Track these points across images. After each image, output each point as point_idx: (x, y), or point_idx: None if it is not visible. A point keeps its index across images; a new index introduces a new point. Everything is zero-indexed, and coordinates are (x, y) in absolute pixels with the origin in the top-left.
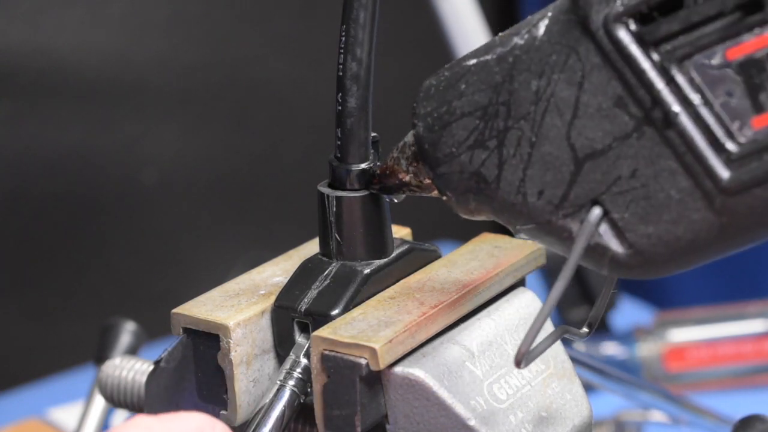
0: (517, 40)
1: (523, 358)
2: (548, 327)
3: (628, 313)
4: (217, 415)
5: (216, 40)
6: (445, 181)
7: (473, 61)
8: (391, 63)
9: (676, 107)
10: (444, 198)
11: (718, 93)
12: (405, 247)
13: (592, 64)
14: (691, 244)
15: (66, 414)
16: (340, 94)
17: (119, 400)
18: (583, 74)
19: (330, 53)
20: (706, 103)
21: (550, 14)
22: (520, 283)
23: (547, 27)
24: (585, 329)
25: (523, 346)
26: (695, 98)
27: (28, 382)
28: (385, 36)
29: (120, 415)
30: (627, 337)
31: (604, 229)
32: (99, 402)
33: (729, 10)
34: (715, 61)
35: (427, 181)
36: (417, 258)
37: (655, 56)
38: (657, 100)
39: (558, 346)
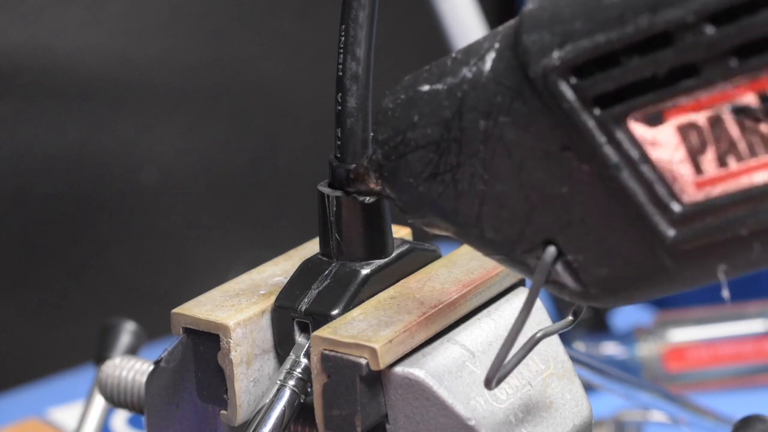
0: (466, 72)
1: (493, 379)
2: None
3: (628, 313)
4: (217, 415)
5: (216, 40)
6: (409, 207)
7: (426, 88)
8: (391, 63)
9: (617, 163)
10: (409, 221)
11: (660, 152)
12: (405, 247)
13: (537, 109)
14: (641, 286)
15: (66, 414)
16: (340, 94)
17: (119, 400)
18: (528, 119)
19: (330, 53)
20: (647, 161)
21: (497, 45)
22: (520, 283)
23: (494, 62)
24: (570, 317)
25: (491, 371)
26: (636, 155)
27: (28, 382)
28: (384, 36)
29: (120, 415)
30: (627, 337)
31: (560, 267)
32: (99, 402)
33: (663, 72)
34: (654, 121)
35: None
36: (417, 258)
37: (596, 111)
38: (599, 155)
39: (558, 346)
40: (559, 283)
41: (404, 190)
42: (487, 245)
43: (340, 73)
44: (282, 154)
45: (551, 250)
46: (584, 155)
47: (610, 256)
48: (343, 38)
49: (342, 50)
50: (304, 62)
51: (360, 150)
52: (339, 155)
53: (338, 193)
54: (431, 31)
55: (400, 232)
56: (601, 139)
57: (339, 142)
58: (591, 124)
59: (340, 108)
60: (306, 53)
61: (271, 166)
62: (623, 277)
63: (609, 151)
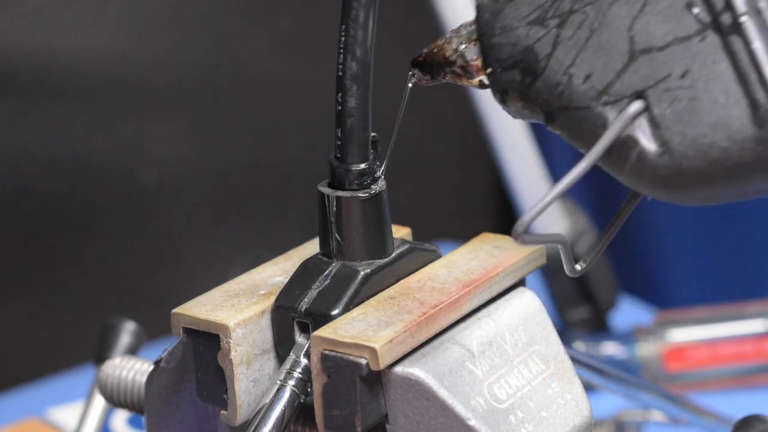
0: None
1: (521, 233)
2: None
3: (628, 313)
4: (217, 415)
5: (216, 40)
6: (496, 51)
7: None
8: (391, 63)
9: (745, 13)
10: (487, 72)
11: None
12: (405, 247)
13: None
14: (722, 156)
15: (66, 414)
16: (340, 94)
17: (119, 400)
18: None
19: (330, 53)
20: None
21: None
22: (520, 283)
23: None
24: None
25: (523, 221)
26: (765, 6)
27: (28, 382)
28: (385, 36)
29: (120, 415)
30: (627, 337)
31: (641, 122)
32: (99, 402)
33: None
34: None
35: (474, 60)
36: (417, 258)
37: None
38: (729, 4)
39: (558, 346)
40: (633, 140)
41: (499, 33)
42: (566, 95)
43: (340, 73)
44: (282, 154)
45: (638, 103)
46: (711, 9)
47: (701, 113)
48: (343, 38)
49: (342, 50)
50: (304, 62)
51: (360, 150)
52: (339, 155)
53: (338, 193)
54: (431, 31)
55: (400, 232)
56: None
57: (339, 142)
58: None
59: (340, 108)
60: (306, 53)
61: (271, 166)
62: (706, 138)
63: (740, 2)
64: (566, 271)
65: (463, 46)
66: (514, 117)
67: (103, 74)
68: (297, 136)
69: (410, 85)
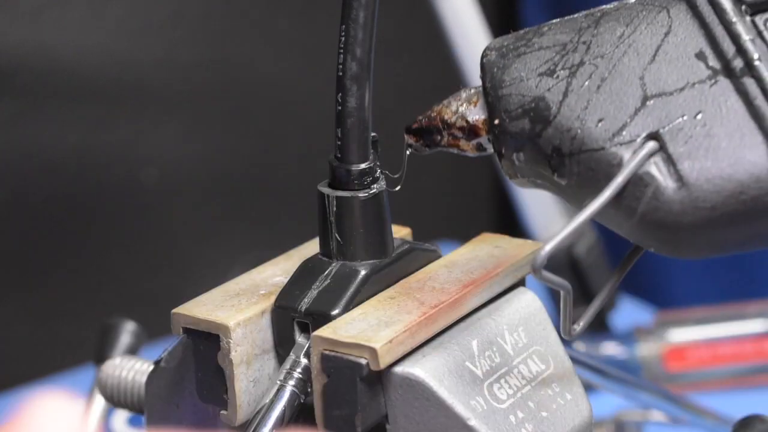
0: (605, 7)
1: (539, 267)
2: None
3: (628, 313)
4: (217, 415)
5: (216, 40)
6: (505, 102)
7: (556, 20)
8: (391, 63)
9: (757, 56)
10: (494, 123)
11: None
12: (405, 247)
13: (680, 20)
14: (738, 190)
15: None
16: (340, 94)
17: (119, 400)
18: (669, 28)
19: (330, 53)
20: None
21: None
22: (520, 283)
23: None
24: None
25: (541, 256)
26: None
27: (28, 382)
28: (385, 36)
29: (120, 415)
30: (627, 337)
31: (657, 159)
32: (99, 402)
33: None
34: None
35: (476, 120)
36: (417, 258)
37: (747, 17)
38: (741, 49)
39: (558, 346)
40: (649, 176)
41: (509, 84)
42: (579, 139)
43: (340, 73)
44: (282, 154)
45: (652, 143)
46: (722, 56)
47: (716, 151)
48: (343, 38)
49: (342, 50)
50: (304, 62)
51: (360, 150)
52: (339, 155)
53: (338, 193)
54: (431, 31)
55: (400, 232)
56: (747, 36)
57: (339, 142)
58: (741, 22)
59: (340, 108)
60: (306, 53)
61: (271, 166)
62: (724, 173)
63: (751, 47)
64: (561, 331)
65: (463, 107)
66: (517, 182)
67: (103, 74)
68: (297, 136)
69: (408, 153)
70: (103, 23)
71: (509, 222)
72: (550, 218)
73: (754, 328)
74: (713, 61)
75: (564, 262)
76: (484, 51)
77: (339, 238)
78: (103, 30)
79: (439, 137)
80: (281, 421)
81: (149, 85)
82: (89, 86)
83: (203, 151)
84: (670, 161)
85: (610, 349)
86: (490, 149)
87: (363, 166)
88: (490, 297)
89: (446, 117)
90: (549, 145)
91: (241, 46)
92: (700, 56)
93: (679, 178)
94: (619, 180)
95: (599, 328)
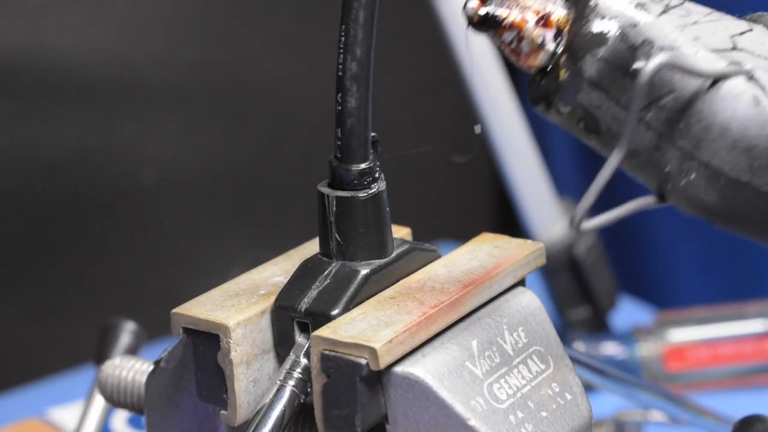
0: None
1: (578, 222)
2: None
3: (628, 313)
4: (217, 415)
5: (216, 40)
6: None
7: None
8: (391, 63)
9: None
10: (590, 2)
11: None
12: (405, 247)
13: (760, 28)
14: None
15: (66, 414)
16: (340, 94)
17: (119, 400)
18: (751, 28)
19: (330, 53)
20: None
21: None
22: (520, 283)
23: None
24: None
25: (579, 209)
26: None
27: (28, 382)
28: (385, 36)
29: (120, 415)
30: (627, 337)
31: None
32: (99, 402)
33: None
34: None
35: (556, 11)
36: (417, 258)
37: None
38: None
39: (558, 346)
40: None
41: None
42: (675, 37)
43: (340, 73)
44: (282, 154)
45: (743, 67)
46: None
47: None
48: (343, 38)
49: (342, 50)
50: (304, 62)
51: (360, 150)
52: (339, 155)
53: (338, 193)
54: (431, 31)
55: (400, 232)
56: None
57: (339, 142)
58: None
59: (340, 108)
60: (306, 53)
61: (271, 166)
62: None
63: None
64: (569, 224)
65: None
66: (552, 113)
67: (103, 74)
68: (297, 136)
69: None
70: (103, 23)
71: (509, 222)
72: (550, 218)
73: (754, 328)
74: None
75: (564, 262)
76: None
77: (339, 238)
78: (103, 30)
79: (507, 12)
80: (281, 421)
81: (149, 85)
82: (89, 86)
83: (203, 151)
84: (760, 86)
85: (610, 349)
86: (548, 51)
87: (363, 166)
88: (490, 297)
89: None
90: (641, 37)
91: (241, 46)
92: None
93: None
94: (720, 69)
95: (599, 328)
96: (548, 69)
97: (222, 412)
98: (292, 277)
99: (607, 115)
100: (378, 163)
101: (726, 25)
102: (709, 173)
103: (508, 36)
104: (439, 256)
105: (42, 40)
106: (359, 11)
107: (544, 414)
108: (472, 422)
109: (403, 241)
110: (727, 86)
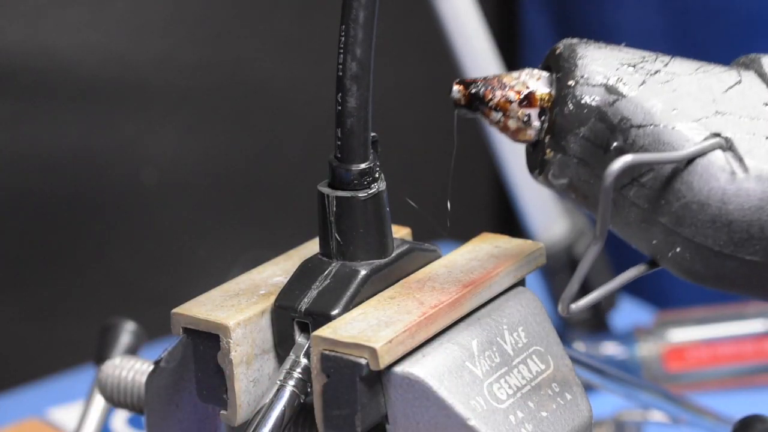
0: None
1: (566, 307)
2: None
3: (628, 313)
4: (217, 415)
5: (216, 40)
6: (583, 69)
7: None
8: (391, 63)
9: None
10: (569, 83)
11: None
12: (405, 247)
13: (750, 78)
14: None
15: (66, 414)
16: (340, 94)
17: (119, 400)
18: (740, 80)
19: (330, 53)
20: None
21: None
22: (520, 283)
23: None
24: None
25: (566, 294)
26: None
27: (28, 382)
28: (384, 36)
29: (120, 415)
30: (627, 337)
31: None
32: (99, 402)
33: None
34: None
35: (538, 89)
36: (417, 258)
37: None
38: None
39: (558, 345)
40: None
41: (590, 59)
42: (654, 113)
43: (340, 73)
44: (282, 154)
45: (721, 139)
46: None
47: None
48: (343, 38)
49: (342, 50)
50: (304, 62)
51: (360, 150)
52: (339, 155)
53: (338, 192)
54: (431, 31)
55: (400, 232)
56: None
57: (339, 142)
58: None
59: (340, 108)
60: (306, 53)
61: (271, 166)
62: None
63: None
64: (559, 308)
65: (526, 77)
66: (544, 178)
67: (103, 74)
68: (297, 136)
69: (457, 115)
70: (103, 23)
71: (509, 222)
72: (550, 218)
73: (754, 328)
74: None
75: (564, 262)
76: (560, 42)
77: (339, 238)
78: (103, 30)
79: (491, 95)
80: (281, 421)
81: (149, 85)
82: (89, 86)
83: (203, 151)
84: (737, 157)
85: (610, 349)
86: (535, 128)
87: (363, 166)
88: (490, 297)
89: (505, 80)
90: (618, 115)
91: (241, 46)
92: None
93: (746, 169)
94: (692, 149)
95: (599, 328)
96: (537, 143)
97: (222, 412)
98: (292, 277)
99: (594, 188)
100: (378, 163)
101: (711, 83)
102: (693, 246)
103: (495, 116)
104: (439, 256)
105: (42, 40)
106: (359, 11)
107: (544, 414)
108: (472, 422)
109: (403, 241)
110: (703, 163)
